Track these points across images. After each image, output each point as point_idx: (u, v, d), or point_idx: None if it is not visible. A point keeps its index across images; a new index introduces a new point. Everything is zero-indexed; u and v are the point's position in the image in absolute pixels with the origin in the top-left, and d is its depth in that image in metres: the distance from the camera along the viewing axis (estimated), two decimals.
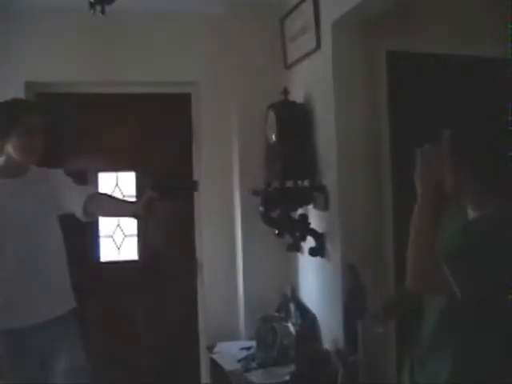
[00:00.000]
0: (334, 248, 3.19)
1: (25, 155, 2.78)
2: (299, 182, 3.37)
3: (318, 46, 3.26)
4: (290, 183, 3.38)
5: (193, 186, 2.76)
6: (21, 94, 3.71)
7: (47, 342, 2.77)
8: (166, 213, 2.67)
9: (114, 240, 4.10)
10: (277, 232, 3.50)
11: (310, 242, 3.40)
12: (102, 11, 2.55)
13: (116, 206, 2.81)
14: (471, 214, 2.04)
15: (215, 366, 3.57)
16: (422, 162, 2.01)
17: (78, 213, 2.81)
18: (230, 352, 3.56)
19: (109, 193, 2.95)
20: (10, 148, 2.75)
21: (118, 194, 4.00)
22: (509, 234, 1.88)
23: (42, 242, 2.80)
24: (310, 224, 3.43)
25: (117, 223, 4.10)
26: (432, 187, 1.99)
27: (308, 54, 3.41)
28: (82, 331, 2.94)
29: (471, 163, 1.96)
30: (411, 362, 2.13)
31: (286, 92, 3.45)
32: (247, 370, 3.24)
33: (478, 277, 1.86)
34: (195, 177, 4.10)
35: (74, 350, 2.84)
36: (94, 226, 4.00)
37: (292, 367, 3.21)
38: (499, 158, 1.93)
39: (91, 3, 2.52)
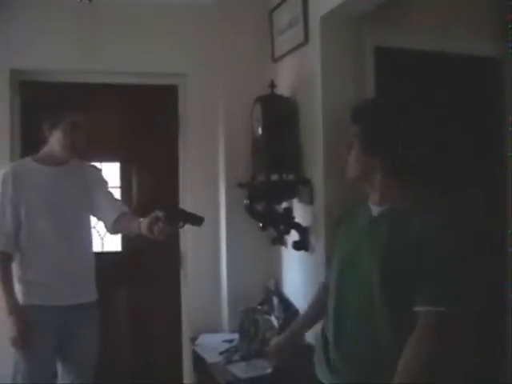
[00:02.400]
0: (317, 242, 3.20)
1: (66, 150, 3.06)
2: (284, 176, 3.36)
3: (306, 40, 3.26)
4: (275, 176, 3.38)
5: (198, 222, 2.86)
6: (5, 82, 3.70)
7: (69, 325, 3.01)
8: (166, 235, 2.77)
9: (97, 231, 4.07)
10: (261, 225, 3.51)
11: (294, 235, 3.40)
12: None
13: (132, 224, 2.99)
14: (374, 209, 2.21)
15: (197, 357, 3.57)
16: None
17: (107, 226, 3.17)
18: (213, 344, 3.56)
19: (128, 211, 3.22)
20: (54, 141, 3.05)
21: None
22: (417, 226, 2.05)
23: (75, 230, 3.10)
24: (294, 218, 3.44)
25: None
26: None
27: (296, 48, 3.40)
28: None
29: (380, 157, 2.15)
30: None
31: (272, 85, 3.44)
32: (229, 362, 3.23)
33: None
34: (181, 170, 4.09)
35: (91, 338, 3.10)
36: None
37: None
38: (407, 155, 2.13)
39: None
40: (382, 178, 2.16)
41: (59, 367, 3.12)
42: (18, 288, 2.98)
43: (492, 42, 3.59)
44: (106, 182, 3.30)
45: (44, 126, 3.06)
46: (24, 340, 2.88)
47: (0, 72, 3.70)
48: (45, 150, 3.11)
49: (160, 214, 2.73)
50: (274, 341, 2.67)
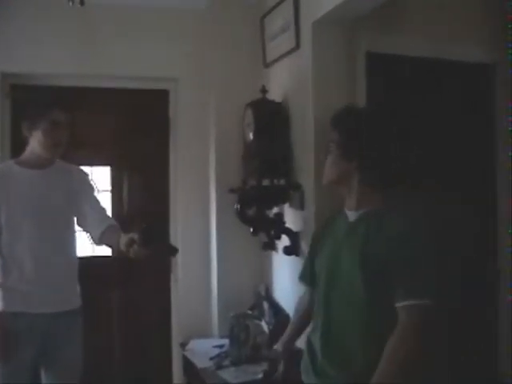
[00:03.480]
0: (308, 247, 3.20)
1: (49, 150, 2.92)
2: (275, 181, 3.36)
3: (298, 45, 3.27)
4: (266, 181, 3.37)
5: (172, 252, 2.84)
6: None
7: (52, 333, 2.89)
8: (140, 257, 2.70)
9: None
10: (252, 230, 3.50)
11: (284, 240, 3.40)
12: (81, 3, 2.53)
13: (116, 240, 2.87)
14: (350, 214, 2.27)
15: (188, 363, 3.56)
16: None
17: (93, 238, 3.03)
18: (203, 349, 3.55)
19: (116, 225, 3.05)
20: (35, 142, 2.91)
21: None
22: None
23: (59, 236, 2.97)
24: (285, 223, 3.44)
25: None
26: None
27: (288, 53, 3.40)
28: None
29: (355, 163, 2.21)
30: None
31: (264, 90, 3.45)
32: (220, 367, 3.22)
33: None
34: (171, 174, 4.09)
35: (75, 346, 3.00)
36: None
37: (264, 365, 3.21)
38: (384, 161, 2.19)
39: None
40: (359, 183, 2.22)
41: (43, 378, 3.00)
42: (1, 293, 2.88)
43: (484, 47, 3.61)
44: (92, 188, 3.15)
45: (23, 126, 2.92)
46: (4, 350, 2.78)
47: None
48: (26, 152, 2.97)
49: (135, 237, 2.65)
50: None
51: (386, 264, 2.06)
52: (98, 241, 3.02)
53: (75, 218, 3.08)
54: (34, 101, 2.99)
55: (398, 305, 2.04)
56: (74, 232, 3.08)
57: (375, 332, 2.10)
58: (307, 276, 2.52)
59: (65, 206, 2.99)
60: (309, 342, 2.35)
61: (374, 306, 2.10)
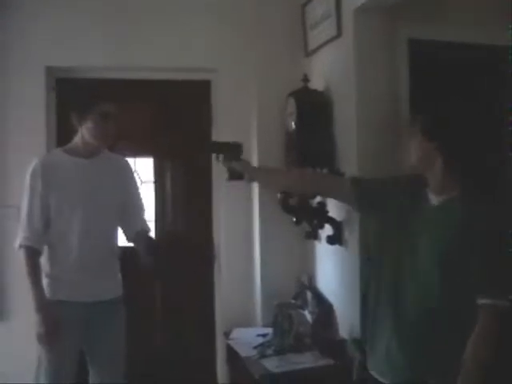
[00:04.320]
0: (351, 236, 3.19)
1: (98, 139, 2.99)
2: (318, 170, 3.35)
3: (339, 33, 3.25)
4: (309, 170, 3.36)
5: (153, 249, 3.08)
6: (41, 79, 3.75)
7: (95, 321, 2.96)
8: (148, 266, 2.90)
9: None
10: (295, 219, 3.50)
11: (327, 229, 3.39)
12: None
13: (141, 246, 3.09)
14: (434, 198, 2.18)
15: (231, 352, 3.58)
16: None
17: (127, 235, 3.17)
18: (247, 338, 3.57)
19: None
20: (84, 131, 2.98)
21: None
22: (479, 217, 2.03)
23: (104, 225, 3.04)
24: (328, 212, 3.43)
25: None
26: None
27: (329, 42, 3.39)
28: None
29: (440, 146, 2.13)
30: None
31: (305, 80, 3.44)
32: (263, 356, 3.23)
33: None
34: (214, 164, 4.09)
35: (117, 334, 3.07)
36: None
37: (308, 355, 3.22)
38: (473, 147, 2.13)
39: None
40: (443, 166, 2.14)
41: (89, 367, 3.08)
42: (45, 282, 2.93)
43: None
44: (136, 183, 3.29)
45: (73, 116, 2.99)
46: (50, 337, 2.84)
47: (35, 70, 3.74)
48: (75, 141, 3.04)
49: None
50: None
51: (471, 258, 2.00)
52: (131, 239, 3.17)
53: (119, 208, 3.12)
54: (83, 92, 3.11)
55: (481, 302, 1.99)
56: (116, 221, 3.14)
57: (452, 327, 2.05)
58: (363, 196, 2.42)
59: (111, 196, 3.06)
60: (372, 324, 2.30)
61: (449, 297, 2.04)
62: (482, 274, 2.00)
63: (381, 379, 2.23)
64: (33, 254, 2.91)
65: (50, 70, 3.81)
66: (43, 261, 2.97)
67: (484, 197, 2.13)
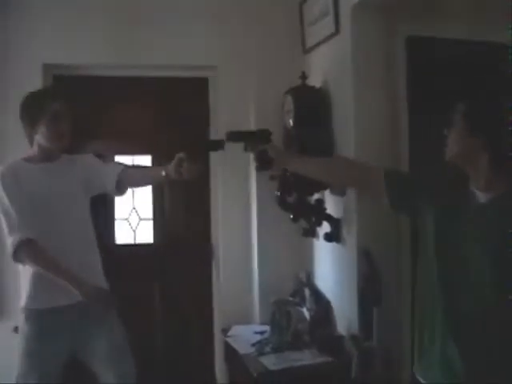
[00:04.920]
0: (349, 233, 3.19)
1: (53, 142, 2.92)
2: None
3: (337, 30, 3.25)
4: None
5: (221, 146, 2.77)
6: (38, 77, 3.74)
7: (81, 323, 2.88)
8: (194, 174, 2.67)
9: (129, 223, 4.12)
10: (292, 217, 3.50)
11: (325, 227, 3.39)
12: None
13: (147, 174, 2.93)
14: (481, 195, 2.03)
15: (229, 349, 3.58)
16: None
17: (111, 188, 2.99)
18: (245, 336, 3.58)
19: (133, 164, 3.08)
20: (39, 136, 2.90)
21: None
22: None
23: (75, 223, 2.93)
24: (325, 209, 3.43)
25: (132, 206, 4.12)
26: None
27: (327, 39, 3.39)
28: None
29: (485, 139, 1.97)
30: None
31: (304, 77, 3.43)
32: (261, 354, 3.24)
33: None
34: (212, 162, 4.09)
35: (112, 330, 2.96)
36: (110, 209, 4.04)
37: (306, 352, 3.22)
38: None
39: None
40: (489, 161, 1.98)
41: (92, 369, 2.98)
42: (24, 293, 2.87)
43: None
44: (98, 160, 3.13)
45: (24, 125, 2.93)
46: (107, 295, 2.86)
47: (32, 67, 3.73)
48: (33, 149, 2.96)
49: (182, 155, 2.64)
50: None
51: None
52: (117, 191, 3.02)
53: (90, 196, 3.05)
54: (31, 97, 2.96)
55: None
56: (89, 220, 3.04)
57: (507, 333, 1.94)
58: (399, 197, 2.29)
59: (76, 195, 2.98)
60: (419, 329, 2.18)
61: (509, 307, 1.92)
62: None
63: None
64: (37, 245, 2.76)
65: (47, 68, 3.79)
66: (22, 273, 2.90)
67: None
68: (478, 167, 2.01)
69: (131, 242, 4.11)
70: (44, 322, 2.82)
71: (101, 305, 2.83)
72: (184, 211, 4.17)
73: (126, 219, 4.12)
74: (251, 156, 2.92)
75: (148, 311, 4.07)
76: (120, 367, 2.94)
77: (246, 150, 2.81)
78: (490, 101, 2.01)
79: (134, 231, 4.13)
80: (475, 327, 1.98)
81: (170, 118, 4.08)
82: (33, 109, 2.91)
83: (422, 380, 2.16)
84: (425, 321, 2.15)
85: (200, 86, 4.14)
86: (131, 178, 2.99)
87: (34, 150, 2.96)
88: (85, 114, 3.73)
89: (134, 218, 4.13)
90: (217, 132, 3.98)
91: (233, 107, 4.00)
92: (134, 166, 3.07)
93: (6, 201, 2.80)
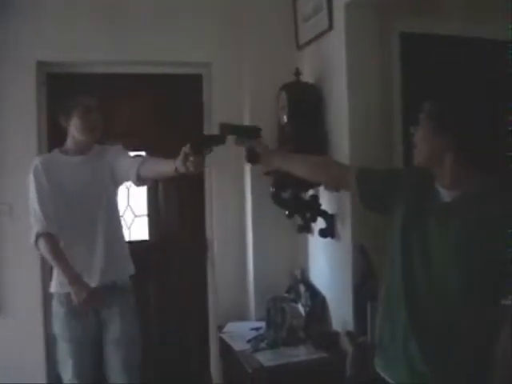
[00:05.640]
0: (344, 229, 3.19)
1: (85, 133, 3.14)
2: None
3: (331, 26, 3.24)
4: None
5: (222, 140, 2.77)
6: (32, 74, 3.72)
7: (105, 305, 3.10)
8: (200, 167, 2.72)
9: (124, 220, 4.10)
10: (287, 213, 3.50)
11: (320, 223, 3.40)
12: None
13: (162, 167, 2.98)
14: (446, 194, 2.04)
15: (225, 345, 3.59)
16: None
17: (133, 179, 3.09)
18: (240, 332, 3.58)
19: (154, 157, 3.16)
20: (73, 129, 3.14)
21: None
22: (495, 214, 1.89)
23: (103, 212, 3.14)
24: (320, 205, 3.43)
25: (127, 203, 4.11)
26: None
27: (320, 35, 3.38)
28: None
29: (450, 138, 1.97)
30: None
31: (297, 73, 3.43)
32: (256, 350, 3.25)
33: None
34: (206, 158, 4.06)
35: (126, 318, 3.16)
36: None
37: (301, 348, 3.23)
38: (484, 137, 1.96)
39: None
40: (453, 160, 1.97)
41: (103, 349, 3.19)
42: (55, 277, 3.10)
43: None
44: (125, 151, 3.27)
45: (61, 119, 3.15)
46: (95, 297, 2.97)
47: (26, 64, 3.71)
48: (68, 141, 3.19)
49: (187, 149, 2.67)
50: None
51: (492, 256, 1.87)
52: (138, 181, 3.10)
53: (117, 187, 3.26)
54: (63, 92, 3.25)
55: (507, 302, 1.89)
56: (117, 209, 3.30)
57: (471, 333, 1.93)
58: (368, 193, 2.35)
59: (104, 185, 3.17)
60: (385, 339, 2.18)
61: (473, 305, 1.93)
62: (504, 273, 1.87)
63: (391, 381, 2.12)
64: (51, 239, 3.01)
65: (41, 65, 3.78)
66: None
67: (502, 192, 1.97)
68: (443, 166, 2.00)
69: (126, 239, 4.10)
70: (71, 303, 2.99)
71: (87, 307, 3.00)
72: (179, 208, 4.17)
73: (121, 216, 4.10)
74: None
75: (143, 308, 4.05)
76: (127, 354, 3.14)
77: (236, 143, 2.83)
78: (456, 99, 2.01)
79: (129, 228, 4.12)
80: (437, 326, 1.98)
81: (164, 114, 4.07)
82: (66, 103, 3.13)
83: (383, 375, 2.17)
84: (387, 318, 2.17)
85: (194, 83, 4.13)
86: (149, 170, 3.06)
87: (68, 142, 3.19)
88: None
89: (129, 215, 4.13)
90: (211, 128, 3.98)
91: (227, 103, 4.00)
92: (152, 158, 3.14)
93: (34, 192, 3.05)
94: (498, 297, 1.91)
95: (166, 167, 2.88)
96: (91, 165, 3.16)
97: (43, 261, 3.50)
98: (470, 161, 1.97)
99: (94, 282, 3.04)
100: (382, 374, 2.17)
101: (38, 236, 3.01)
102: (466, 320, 1.93)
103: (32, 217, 3.05)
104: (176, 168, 2.74)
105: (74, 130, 3.12)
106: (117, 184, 3.24)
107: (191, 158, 2.65)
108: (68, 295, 3.00)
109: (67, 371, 3.07)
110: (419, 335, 2.00)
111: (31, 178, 3.07)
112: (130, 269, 3.27)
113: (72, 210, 3.08)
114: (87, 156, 3.18)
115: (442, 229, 1.98)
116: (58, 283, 3.08)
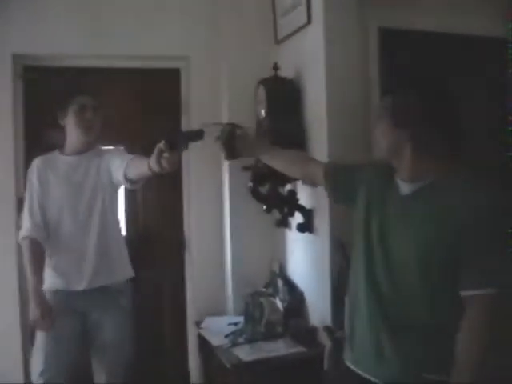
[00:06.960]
0: (322, 224, 3.20)
1: (82, 131, 3.11)
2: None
3: (309, 21, 3.24)
4: None
5: (199, 136, 2.65)
6: (8, 67, 3.68)
7: (94, 308, 3.09)
8: (175, 165, 2.56)
9: None
10: (265, 207, 3.50)
11: (298, 217, 3.40)
12: None
13: (140, 167, 2.85)
14: (405, 186, 2.07)
15: (202, 340, 3.58)
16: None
17: (122, 181, 3.02)
18: (218, 327, 3.57)
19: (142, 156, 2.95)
20: (70, 129, 3.13)
21: None
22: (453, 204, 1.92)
23: (97, 214, 3.09)
24: (298, 200, 3.43)
25: None
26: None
27: (299, 29, 3.38)
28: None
29: (408, 131, 2.00)
30: None
31: (276, 67, 3.42)
32: (234, 345, 3.24)
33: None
34: (184, 153, 4.04)
35: (116, 321, 3.15)
36: None
37: (279, 343, 3.23)
38: (441, 129, 2.00)
39: None
40: (412, 153, 2.01)
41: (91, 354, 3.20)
42: (46, 273, 3.06)
43: (498, 21, 3.55)
44: (122, 153, 3.18)
45: (58, 117, 3.13)
46: (47, 321, 2.92)
47: (1, 57, 3.67)
48: (67, 141, 3.17)
49: (162, 145, 2.52)
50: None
51: (451, 248, 1.90)
52: (127, 183, 3.02)
53: (115, 187, 3.19)
54: (60, 90, 3.22)
55: (467, 293, 1.90)
56: (113, 211, 3.22)
57: (432, 322, 1.96)
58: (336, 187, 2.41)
59: (98, 187, 3.12)
60: (353, 329, 2.19)
61: (432, 294, 1.95)
62: (471, 265, 1.90)
63: (362, 373, 2.12)
64: (33, 244, 3.03)
65: (17, 58, 3.73)
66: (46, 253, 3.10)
67: (460, 184, 1.98)
68: (403, 159, 2.04)
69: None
70: (60, 299, 3.04)
71: (38, 324, 2.96)
72: (156, 203, 4.14)
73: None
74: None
75: None
76: (112, 359, 3.16)
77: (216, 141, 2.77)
78: (415, 92, 2.03)
79: None
80: (399, 314, 2.01)
81: (142, 108, 4.04)
82: (62, 102, 3.11)
83: (353, 367, 2.18)
84: (354, 309, 2.19)
85: (172, 77, 4.11)
86: (132, 172, 2.96)
87: (67, 142, 3.17)
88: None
89: None
90: (189, 122, 3.97)
91: (205, 97, 3.99)
92: (137, 157, 2.99)
93: (27, 192, 3.13)
94: (456, 286, 1.93)
95: (143, 167, 2.74)
96: (85, 165, 3.12)
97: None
98: (427, 153, 2.01)
99: (82, 286, 3.05)
100: (351, 366, 2.19)
101: (22, 238, 3.06)
102: (424, 308, 1.97)
103: (24, 214, 3.12)
104: (149, 167, 2.61)
105: (71, 129, 3.11)
106: (114, 186, 3.17)
107: (166, 155, 2.50)
108: (55, 293, 3.03)
109: (37, 367, 3.02)
110: (383, 323, 2.04)
111: (28, 177, 3.13)
112: (127, 272, 3.26)
113: (62, 210, 3.07)
114: (83, 156, 3.14)
115: (401, 222, 2.02)
116: (46, 281, 3.06)
